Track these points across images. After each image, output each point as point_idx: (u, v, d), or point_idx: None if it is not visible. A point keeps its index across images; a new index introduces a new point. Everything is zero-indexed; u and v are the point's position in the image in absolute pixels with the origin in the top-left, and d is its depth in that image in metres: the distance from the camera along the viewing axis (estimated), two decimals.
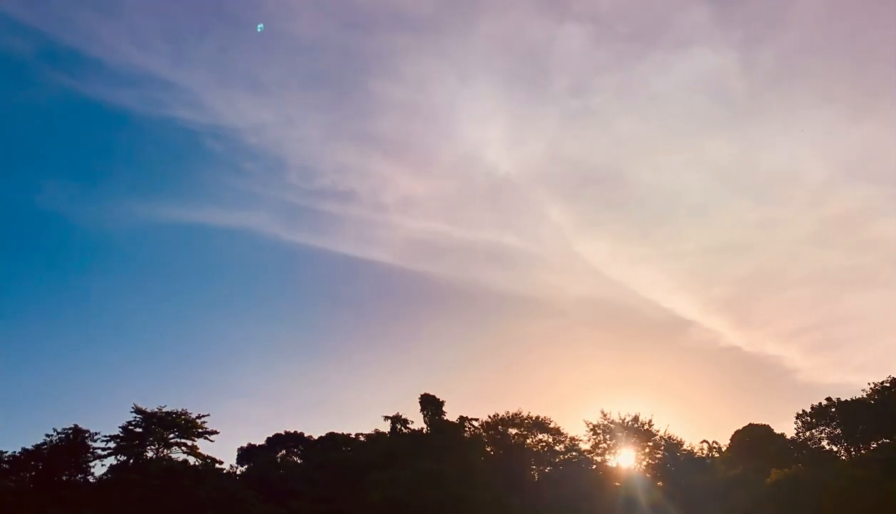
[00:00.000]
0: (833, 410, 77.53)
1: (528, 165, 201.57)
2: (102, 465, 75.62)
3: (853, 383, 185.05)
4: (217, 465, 78.21)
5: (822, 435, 77.03)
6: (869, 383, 76.79)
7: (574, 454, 75.14)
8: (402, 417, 79.90)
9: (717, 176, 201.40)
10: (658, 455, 72.87)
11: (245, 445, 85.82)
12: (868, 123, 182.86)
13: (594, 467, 72.98)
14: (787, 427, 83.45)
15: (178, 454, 78.24)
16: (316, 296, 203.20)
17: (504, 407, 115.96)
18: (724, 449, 78.98)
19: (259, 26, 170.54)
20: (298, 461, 79.55)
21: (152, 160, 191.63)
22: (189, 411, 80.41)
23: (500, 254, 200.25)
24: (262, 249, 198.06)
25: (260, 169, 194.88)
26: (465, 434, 77.52)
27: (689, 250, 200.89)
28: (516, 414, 77.25)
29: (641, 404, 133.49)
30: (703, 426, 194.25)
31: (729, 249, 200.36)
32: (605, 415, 75.70)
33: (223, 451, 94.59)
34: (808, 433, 78.04)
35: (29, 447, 73.74)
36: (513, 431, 76.98)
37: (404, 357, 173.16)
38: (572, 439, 76.36)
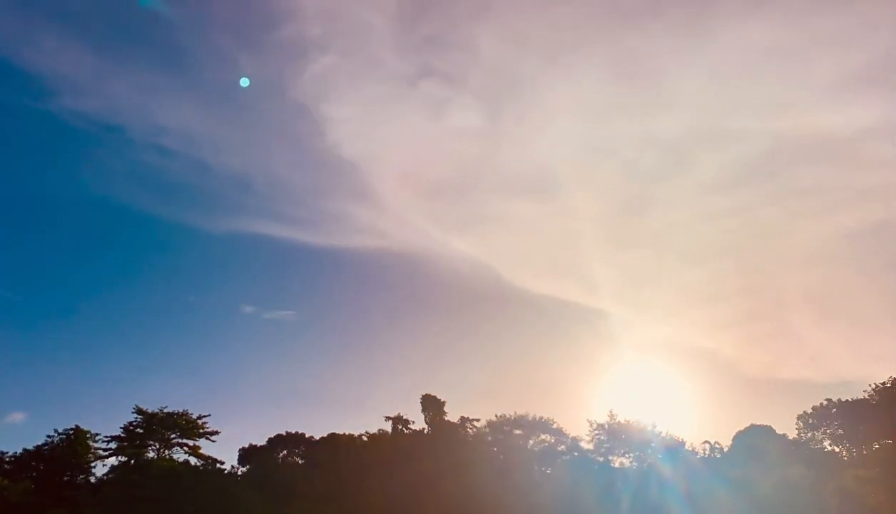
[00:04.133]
0: (834, 411, 77.53)
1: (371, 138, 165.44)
2: (104, 465, 75.90)
3: (815, 379, 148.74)
4: (218, 465, 78.34)
5: (824, 436, 76.99)
6: (870, 384, 76.79)
7: (576, 454, 75.13)
8: (404, 417, 79.92)
9: (590, 100, 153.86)
10: (660, 456, 72.82)
11: (246, 445, 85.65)
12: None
13: (596, 467, 72.94)
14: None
15: (179, 455, 78.56)
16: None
17: (504, 406, 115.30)
18: (725, 450, 78.90)
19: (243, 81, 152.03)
20: (300, 462, 79.44)
21: None
22: (190, 411, 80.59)
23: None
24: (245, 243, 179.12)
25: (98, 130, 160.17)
26: (467, 435, 77.48)
27: (555, 213, 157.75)
28: (518, 415, 77.29)
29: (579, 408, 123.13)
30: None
31: (613, 208, 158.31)
32: (610, 415, 75.78)
33: (224, 451, 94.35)
34: (809, 434, 78.03)
35: (30, 447, 73.92)
36: (515, 431, 76.96)
37: (406, 357, 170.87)
38: (574, 439, 76.42)
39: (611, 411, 76.30)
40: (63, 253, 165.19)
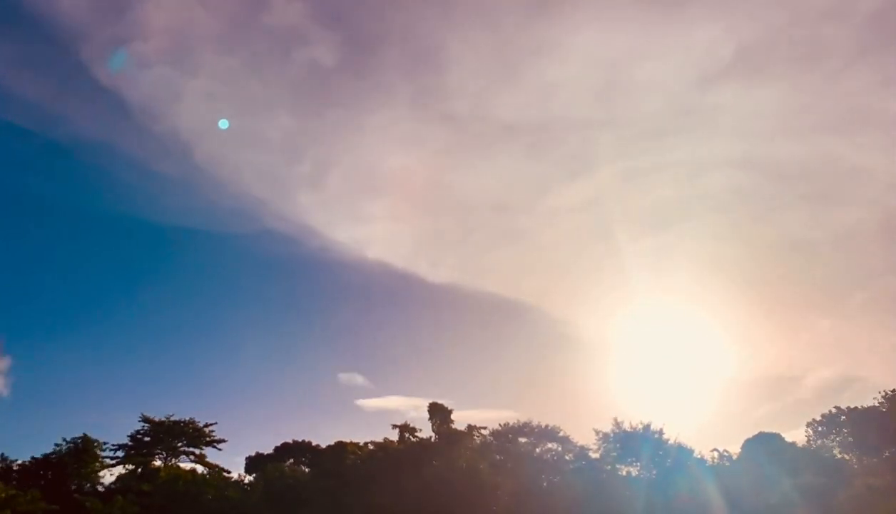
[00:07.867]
0: (843, 418, 76.97)
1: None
2: (111, 474, 76.07)
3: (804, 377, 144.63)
4: (225, 474, 78.34)
5: (834, 444, 76.40)
6: (880, 392, 76.29)
7: (583, 463, 74.62)
8: (410, 425, 79.81)
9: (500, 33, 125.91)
10: (668, 463, 72.28)
11: (253, 454, 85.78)
12: None
13: (604, 475, 72.43)
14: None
15: (185, 463, 78.56)
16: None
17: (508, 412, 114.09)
18: (734, 457, 78.35)
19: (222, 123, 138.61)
20: (306, 470, 79.41)
21: None
22: (197, 419, 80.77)
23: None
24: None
25: None
26: (474, 443, 77.16)
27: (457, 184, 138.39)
28: (525, 423, 76.95)
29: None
30: None
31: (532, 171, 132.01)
32: (616, 423, 75.31)
33: (231, 460, 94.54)
34: (819, 442, 77.46)
35: (38, 456, 74.14)
36: (521, 439, 76.57)
37: (413, 363, 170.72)
38: (582, 447, 75.91)
39: (615, 418, 75.87)
40: None
